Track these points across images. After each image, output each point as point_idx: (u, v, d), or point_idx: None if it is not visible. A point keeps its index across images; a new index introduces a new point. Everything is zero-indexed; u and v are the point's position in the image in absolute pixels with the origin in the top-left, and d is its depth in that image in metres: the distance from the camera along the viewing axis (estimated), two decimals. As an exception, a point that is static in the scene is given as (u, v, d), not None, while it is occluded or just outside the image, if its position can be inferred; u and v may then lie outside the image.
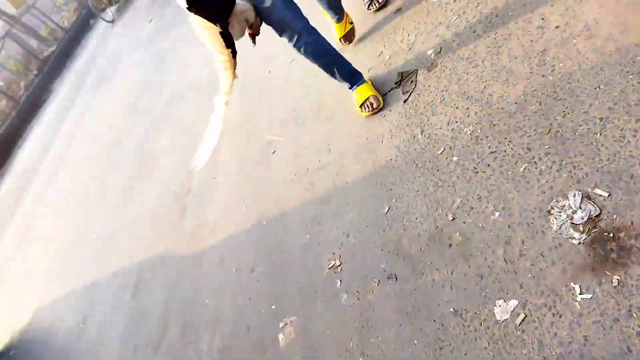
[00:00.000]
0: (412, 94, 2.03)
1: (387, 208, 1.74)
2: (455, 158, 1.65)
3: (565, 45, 1.58)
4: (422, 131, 1.84)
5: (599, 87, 1.42)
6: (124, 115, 5.12)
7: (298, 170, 2.30)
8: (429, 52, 2.09)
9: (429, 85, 1.97)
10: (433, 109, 1.87)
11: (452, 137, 1.71)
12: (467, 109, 1.74)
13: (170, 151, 3.67)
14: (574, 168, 1.34)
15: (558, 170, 1.37)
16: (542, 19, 1.72)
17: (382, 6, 2.61)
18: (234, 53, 1.28)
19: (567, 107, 1.45)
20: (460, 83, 1.84)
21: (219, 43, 1.18)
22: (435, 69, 2.00)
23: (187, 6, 1.15)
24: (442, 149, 1.71)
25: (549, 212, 1.33)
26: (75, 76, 8.65)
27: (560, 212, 1.31)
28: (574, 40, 1.56)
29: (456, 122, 1.74)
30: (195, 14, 1.18)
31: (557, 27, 1.65)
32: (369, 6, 2.65)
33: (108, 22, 9.31)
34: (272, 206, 2.28)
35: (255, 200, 2.43)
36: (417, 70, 2.08)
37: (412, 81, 2.06)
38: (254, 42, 1.52)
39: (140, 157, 4.06)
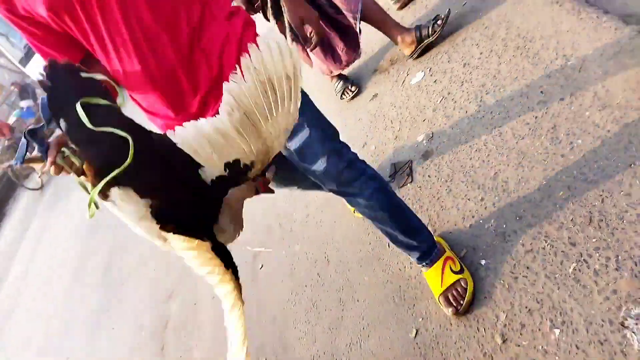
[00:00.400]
0: (407, 186, 1.83)
1: (415, 331, 1.45)
2: (483, 261, 1.40)
3: (577, 119, 1.42)
4: (434, 230, 1.60)
5: (634, 164, 1.24)
6: (83, 237, 4.70)
7: (294, 287, 2.01)
8: (420, 139, 1.92)
9: (429, 176, 1.77)
10: (441, 203, 1.65)
11: (472, 236, 1.48)
12: (482, 200, 1.52)
13: (139, 275, 3.30)
14: (636, 265, 1.11)
15: (617, 268, 1.14)
16: (542, 92, 1.58)
17: (356, 94, 2.49)
18: (234, 272, 0.78)
19: (603, 190, 1.26)
20: (465, 171, 1.64)
21: (214, 264, 0.80)
22: (432, 156, 1.82)
23: (159, 227, 0.74)
24: (464, 251, 1.47)
25: (622, 324, 1.07)
26: (30, 197, 8.09)
27: (637, 323, 1.06)
28: (587, 113, 1.41)
29: (472, 216, 1.52)
30: (172, 233, 0.75)
31: (561, 99, 1.50)
32: (341, 95, 2.53)
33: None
34: (271, 337, 1.94)
35: (248, 329, 2.09)
36: (411, 160, 1.90)
37: (407, 174, 1.86)
38: (270, 192, 1.04)
39: (107, 284, 3.64)
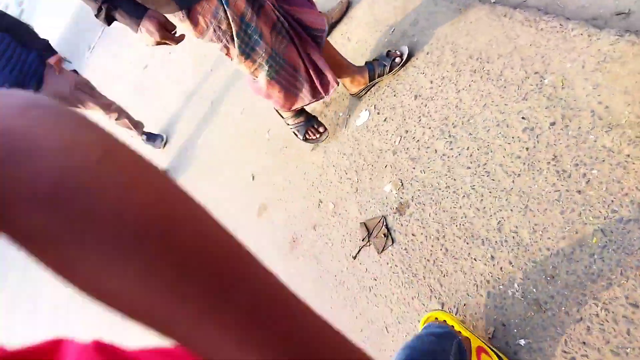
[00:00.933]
0: (389, 249, 1.52)
1: None
2: (522, 341, 1.12)
3: (581, 146, 1.20)
4: (442, 304, 1.30)
5: (673, 190, 1.03)
6: None
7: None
8: (387, 189, 1.63)
9: (413, 234, 1.47)
10: (440, 267, 1.35)
11: (496, 307, 1.19)
12: (492, 258, 1.25)
13: None
14: None
15: None
16: (523, 117, 1.36)
17: (325, 138, 2.04)
18: None
19: (648, 229, 1.03)
20: (458, 223, 1.37)
21: None
22: (409, 209, 1.53)
23: None
24: (491, 329, 1.18)
25: None
26: None
27: None
28: (591, 136, 1.20)
29: (487, 281, 1.24)
30: None
31: (552, 124, 1.29)
32: (304, 136, 1.96)
33: None
34: None
35: None
36: (384, 216, 1.59)
37: (384, 234, 1.55)
38: None
39: None
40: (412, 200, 1.53)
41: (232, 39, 1.36)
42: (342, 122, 1.99)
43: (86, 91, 2.68)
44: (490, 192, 1.34)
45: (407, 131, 1.69)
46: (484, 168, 1.39)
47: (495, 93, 1.47)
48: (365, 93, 1.95)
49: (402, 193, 1.58)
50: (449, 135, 1.53)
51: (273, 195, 2.13)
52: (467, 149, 1.46)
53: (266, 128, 2.41)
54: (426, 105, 1.67)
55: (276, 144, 2.28)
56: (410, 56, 1.84)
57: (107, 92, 4.54)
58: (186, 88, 3.48)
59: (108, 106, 2.86)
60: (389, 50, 1.88)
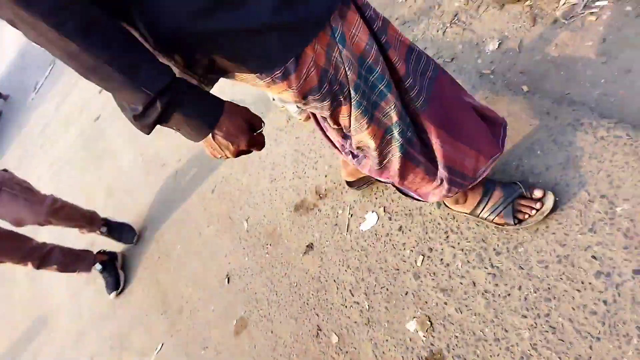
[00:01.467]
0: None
1: None
2: None
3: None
4: None
5: None
6: None
7: None
8: (411, 328, 1.30)
9: (454, 403, 1.13)
10: None
11: None
12: None
13: None
14: None
15: None
16: (594, 257, 1.07)
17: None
18: None
19: None
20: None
21: None
22: (444, 362, 1.20)
23: None
24: None
25: None
26: None
27: None
28: None
29: None
30: None
31: (636, 271, 1.00)
32: (516, 218, 1.22)
33: None
34: None
35: None
36: (411, 367, 1.25)
37: (414, 394, 1.20)
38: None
39: None
40: (449, 351, 1.20)
41: (348, 94, 0.85)
42: (342, 222, 1.66)
43: (17, 194, 1.95)
44: (559, 357, 1.03)
45: (431, 249, 1.38)
46: (546, 320, 1.08)
47: (551, 218, 1.19)
48: (367, 186, 1.64)
49: (432, 337, 1.25)
50: (491, 265, 1.23)
51: (255, 309, 1.74)
52: (519, 288, 1.16)
53: (244, 215, 2.04)
54: (454, 218, 1.37)
55: (257, 238, 1.91)
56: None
57: (53, 144, 4.02)
58: (145, 150, 3.06)
59: (44, 209, 2.08)
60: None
